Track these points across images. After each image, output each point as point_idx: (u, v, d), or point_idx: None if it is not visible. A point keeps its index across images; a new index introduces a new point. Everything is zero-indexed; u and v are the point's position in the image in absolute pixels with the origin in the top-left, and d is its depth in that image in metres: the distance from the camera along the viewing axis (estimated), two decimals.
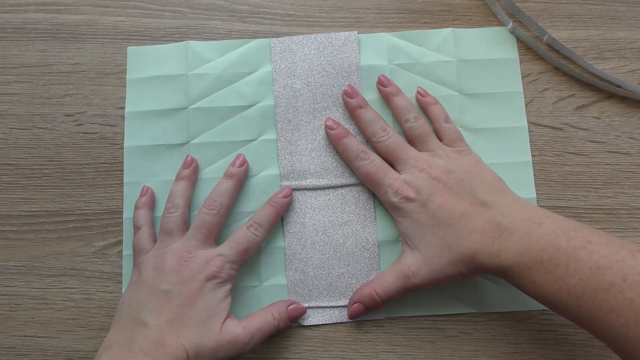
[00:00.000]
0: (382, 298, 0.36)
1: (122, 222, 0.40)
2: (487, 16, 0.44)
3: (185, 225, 0.37)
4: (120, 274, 0.39)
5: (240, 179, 0.39)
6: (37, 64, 0.43)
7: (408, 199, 0.36)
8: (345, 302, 0.39)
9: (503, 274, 0.32)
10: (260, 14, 0.44)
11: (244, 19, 0.44)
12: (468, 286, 0.39)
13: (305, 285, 0.39)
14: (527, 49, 0.43)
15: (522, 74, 0.43)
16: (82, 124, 0.42)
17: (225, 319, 0.34)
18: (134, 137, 0.41)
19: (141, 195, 0.39)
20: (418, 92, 0.41)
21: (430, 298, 0.39)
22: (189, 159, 0.40)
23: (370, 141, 0.40)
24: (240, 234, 0.37)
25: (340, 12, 0.44)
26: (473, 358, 0.38)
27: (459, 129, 0.41)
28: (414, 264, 0.35)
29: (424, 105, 0.41)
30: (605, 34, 0.44)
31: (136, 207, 0.39)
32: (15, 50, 0.43)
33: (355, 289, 0.39)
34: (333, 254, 0.39)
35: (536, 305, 0.38)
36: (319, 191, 0.40)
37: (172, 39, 0.43)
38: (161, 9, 0.44)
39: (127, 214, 0.40)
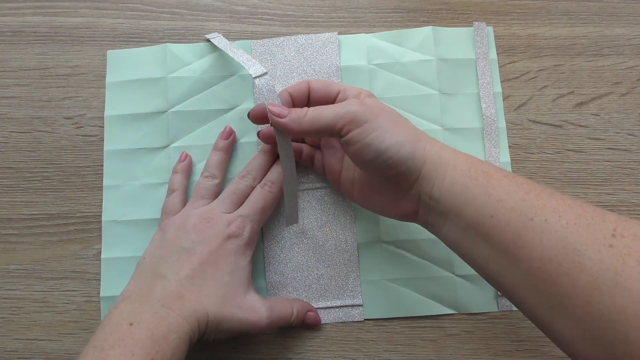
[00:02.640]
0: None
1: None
2: (485, 14, 0.44)
3: (218, 194, 0.38)
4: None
5: (273, 156, 0.39)
6: (36, 67, 0.43)
7: None
8: (324, 303, 0.38)
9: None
10: (258, 14, 0.44)
11: (242, 20, 0.44)
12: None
13: (284, 287, 0.39)
14: (526, 46, 0.43)
15: (521, 71, 0.43)
16: (82, 127, 0.42)
17: (249, 290, 0.34)
18: (113, 141, 0.41)
19: (180, 161, 0.40)
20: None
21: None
22: (227, 129, 0.40)
23: None
24: (256, 194, 0.37)
25: (339, 12, 0.44)
26: (475, 356, 0.38)
27: (439, 128, 0.41)
28: None
29: None
30: (603, 31, 0.44)
31: (174, 171, 0.39)
32: (14, 53, 0.43)
33: (334, 290, 0.39)
34: (312, 256, 0.39)
35: None
36: (298, 193, 0.40)
37: (171, 40, 0.43)
38: (159, 10, 0.44)
39: (107, 217, 0.40)
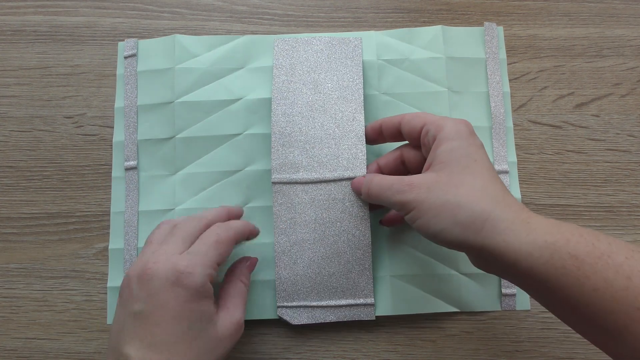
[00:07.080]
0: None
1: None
2: (486, 15, 0.44)
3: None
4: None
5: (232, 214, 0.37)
6: (36, 66, 0.43)
7: None
8: (335, 302, 0.38)
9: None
10: (259, 14, 0.44)
11: (242, 20, 0.44)
12: (467, 287, 0.39)
13: (293, 284, 0.38)
14: (526, 47, 0.43)
15: (521, 72, 0.43)
16: (82, 126, 0.42)
17: (217, 321, 0.31)
18: (121, 132, 0.41)
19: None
20: None
21: (426, 297, 0.39)
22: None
23: None
24: (209, 231, 0.33)
25: (339, 12, 0.44)
26: (474, 357, 0.38)
27: None
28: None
29: None
30: (604, 32, 0.44)
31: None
32: (14, 52, 0.43)
33: (345, 289, 0.38)
34: (324, 252, 0.38)
35: (537, 304, 0.38)
36: (310, 185, 0.38)
37: None
38: (160, 10, 0.44)
39: (115, 208, 0.40)
